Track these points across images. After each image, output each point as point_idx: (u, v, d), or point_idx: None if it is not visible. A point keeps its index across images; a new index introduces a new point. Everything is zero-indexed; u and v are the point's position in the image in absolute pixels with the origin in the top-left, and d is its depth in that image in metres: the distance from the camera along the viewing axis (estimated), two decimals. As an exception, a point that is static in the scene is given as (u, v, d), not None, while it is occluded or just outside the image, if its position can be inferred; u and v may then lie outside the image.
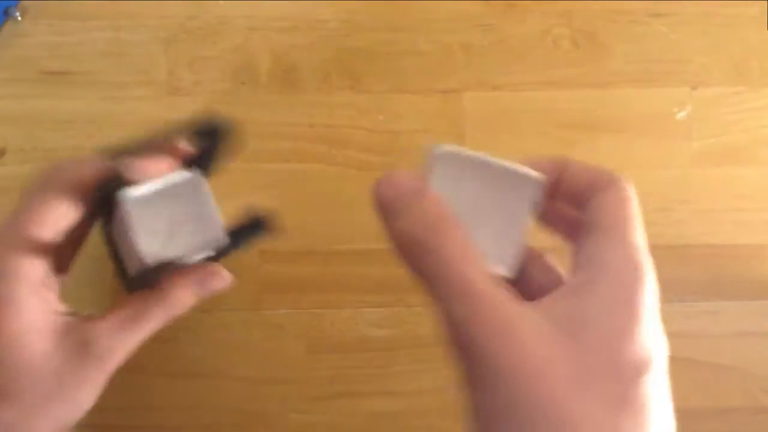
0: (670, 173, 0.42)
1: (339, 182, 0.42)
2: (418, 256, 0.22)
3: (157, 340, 0.42)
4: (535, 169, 0.25)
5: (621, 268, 0.22)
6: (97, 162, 0.28)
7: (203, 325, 0.42)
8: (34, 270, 0.27)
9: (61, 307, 0.28)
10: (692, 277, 0.42)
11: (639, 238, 0.23)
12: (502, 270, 0.25)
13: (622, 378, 0.21)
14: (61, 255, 0.29)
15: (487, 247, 0.24)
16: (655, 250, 0.42)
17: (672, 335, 0.42)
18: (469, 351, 0.21)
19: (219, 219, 0.29)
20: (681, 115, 0.43)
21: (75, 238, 0.30)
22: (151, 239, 0.28)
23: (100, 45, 0.42)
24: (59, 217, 0.27)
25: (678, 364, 0.42)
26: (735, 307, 0.42)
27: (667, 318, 0.42)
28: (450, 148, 0.25)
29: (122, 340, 0.28)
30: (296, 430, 0.42)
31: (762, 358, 0.42)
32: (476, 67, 0.43)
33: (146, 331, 0.28)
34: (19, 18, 0.42)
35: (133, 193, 0.28)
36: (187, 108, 0.42)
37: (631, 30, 0.43)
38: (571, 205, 0.26)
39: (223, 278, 0.30)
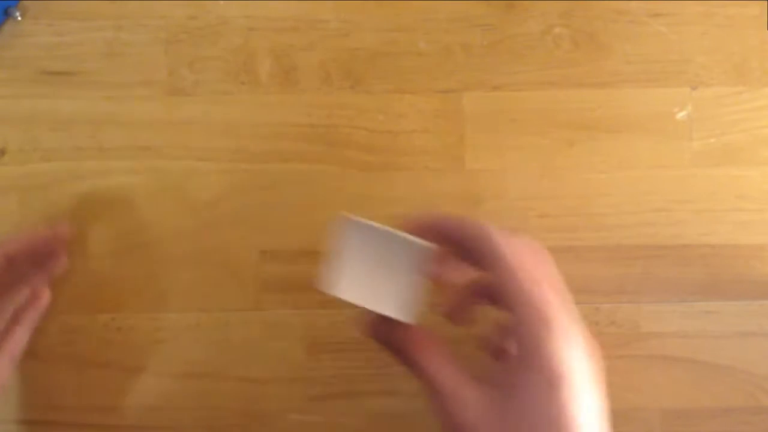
0: (670, 173, 0.42)
1: (339, 182, 0.42)
2: (410, 369, 0.32)
3: (157, 340, 0.42)
4: (420, 235, 0.31)
5: (537, 393, 0.27)
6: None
7: (203, 325, 0.42)
8: None
9: None
10: (692, 277, 0.42)
11: (553, 348, 0.27)
12: (401, 317, 0.30)
13: None
14: None
15: (390, 297, 0.30)
16: (655, 250, 0.42)
17: (672, 335, 0.42)
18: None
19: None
20: (681, 115, 0.43)
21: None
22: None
23: (100, 45, 0.42)
24: None
25: (678, 364, 0.42)
26: (735, 307, 0.42)
27: (667, 318, 0.43)
28: (356, 218, 0.31)
29: None
30: (296, 430, 0.42)
31: (762, 358, 0.42)
32: (476, 67, 0.43)
33: None
34: (19, 18, 0.42)
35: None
36: (187, 108, 0.42)
37: (631, 30, 0.43)
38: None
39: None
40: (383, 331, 0.32)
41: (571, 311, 0.29)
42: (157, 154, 0.42)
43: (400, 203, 0.42)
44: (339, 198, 0.42)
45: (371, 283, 0.31)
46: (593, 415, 0.28)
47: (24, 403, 0.41)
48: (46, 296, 0.41)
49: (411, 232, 0.31)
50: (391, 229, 0.31)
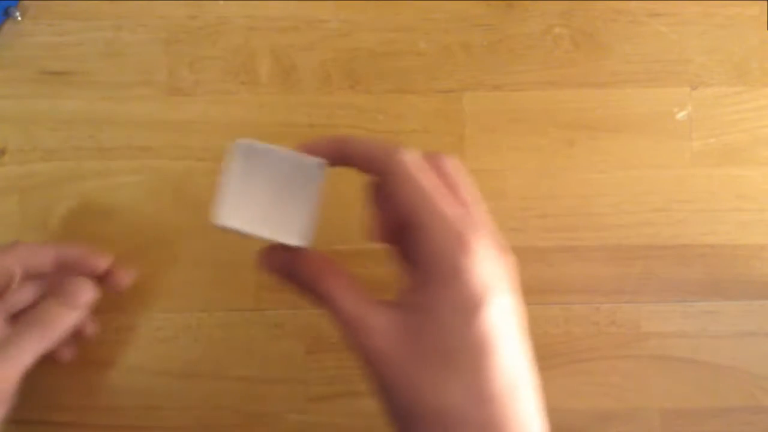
0: (670, 173, 0.42)
1: (339, 182, 0.42)
2: (312, 299, 0.30)
3: (157, 340, 0.42)
4: (317, 153, 0.29)
5: (455, 316, 0.27)
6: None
7: (203, 325, 0.42)
8: None
9: None
10: (692, 277, 0.42)
11: (473, 271, 0.27)
12: (298, 242, 0.29)
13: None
14: None
15: (284, 223, 0.29)
16: (655, 250, 0.42)
17: (672, 335, 0.42)
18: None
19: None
20: (681, 115, 0.43)
21: None
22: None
23: (100, 45, 0.42)
24: None
25: (678, 364, 0.42)
26: (735, 307, 0.42)
27: (667, 318, 0.43)
28: (245, 142, 0.29)
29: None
30: (296, 430, 0.42)
31: (762, 358, 0.42)
32: (476, 67, 0.43)
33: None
34: (19, 18, 0.42)
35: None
36: (187, 108, 0.42)
37: (631, 30, 0.43)
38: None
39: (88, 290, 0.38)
40: (279, 261, 0.30)
41: (482, 222, 0.28)
42: (157, 154, 0.42)
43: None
44: (338, 198, 0.42)
45: (263, 210, 0.29)
46: (514, 333, 0.27)
47: (24, 403, 0.41)
48: (90, 329, 0.40)
49: (308, 153, 0.29)
50: (279, 148, 0.29)
